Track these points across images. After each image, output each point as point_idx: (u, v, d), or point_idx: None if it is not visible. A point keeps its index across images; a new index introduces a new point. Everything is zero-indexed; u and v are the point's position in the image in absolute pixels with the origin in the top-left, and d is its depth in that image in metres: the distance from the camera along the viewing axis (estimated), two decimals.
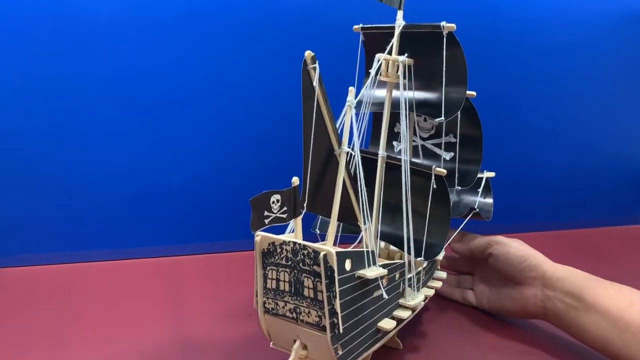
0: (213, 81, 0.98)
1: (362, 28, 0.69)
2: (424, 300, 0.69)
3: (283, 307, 0.54)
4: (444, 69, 0.65)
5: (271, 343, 0.59)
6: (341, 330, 0.52)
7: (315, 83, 0.52)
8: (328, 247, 0.50)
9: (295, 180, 0.51)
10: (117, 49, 0.92)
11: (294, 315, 0.54)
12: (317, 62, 0.53)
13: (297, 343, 0.55)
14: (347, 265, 0.53)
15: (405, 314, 0.63)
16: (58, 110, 0.91)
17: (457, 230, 0.83)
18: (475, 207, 0.84)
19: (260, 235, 0.54)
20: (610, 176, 1.25)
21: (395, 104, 0.68)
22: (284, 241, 0.52)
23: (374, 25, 0.69)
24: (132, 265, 0.97)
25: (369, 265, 0.56)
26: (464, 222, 0.84)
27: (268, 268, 0.54)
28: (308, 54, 0.52)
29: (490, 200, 0.88)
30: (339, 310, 0.51)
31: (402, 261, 0.63)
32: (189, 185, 1.00)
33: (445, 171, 0.66)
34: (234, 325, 0.76)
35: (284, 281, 0.53)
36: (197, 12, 0.94)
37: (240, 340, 0.72)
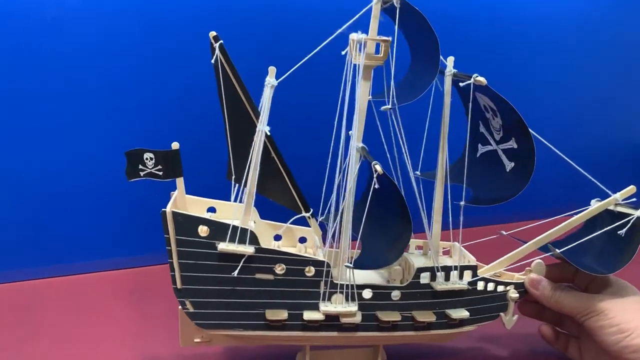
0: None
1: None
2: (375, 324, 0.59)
3: None
4: (395, 45, 0.53)
5: None
6: (178, 286, 0.56)
7: (214, 60, 0.57)
8: (171, 206, 0.56)
9: (175, 145, 0.58)
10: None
11: None
12: (220, 40, 0.57)
13: None
14: (202, 231, 0.56)
15: (313, 316, 0.57)
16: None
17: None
18: (556, 250, 0.59)
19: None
20: (603, 160, 1.20)
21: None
22: None
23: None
24: (89, 279, 0.91)
25: (236, 242, 0.56)
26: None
27: None
28: (211, 34, 0.57)
29: (625, 252, 0.59)
30: (176, 267, 0.56)
31: (318, 258, 0.57)
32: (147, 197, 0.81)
33: (381, 170, 0.54)
34: None
35: None
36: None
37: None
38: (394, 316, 0.59)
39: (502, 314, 0.63)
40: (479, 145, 0.66)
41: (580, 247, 0.61)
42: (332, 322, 0.58)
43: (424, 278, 0.60)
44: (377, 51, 0.57)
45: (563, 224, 0.63)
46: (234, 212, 0.59)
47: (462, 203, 0.60)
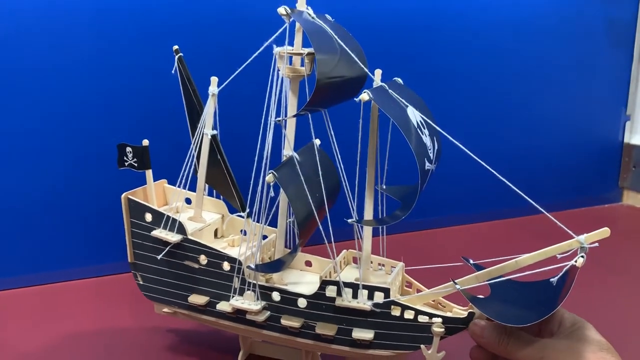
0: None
1: None
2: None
3: None
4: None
5: None
6: (130, 260, 0.67)
7: (174, 70, 0.67)
8: (127, 193, 0.66)
9: (145, 142, 0.68)
10: None
11: None
12: (180, 53, 0.66)
13: None
14: (148, 217, 0.66)
15: (223, 307, 0.62)
16: None
17: None
18: (457, 286, 0.53)
19: None
20: (569, 156, 1.25)
21: None
22: None
23: None
24: (53, 289, 0.91)
25: (168, 230, 0.64)
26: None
27: None
28: (174, 47, 0.67)
29: (545, 304, 0.50)
30: (128, 243, 0.67)
31: (232, 255, 0.61)
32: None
33: (271, 180, 0.55)
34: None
35: None
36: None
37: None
38: (295, 322, 0.60)
39: (423, 346, 0.58)
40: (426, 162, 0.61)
41: (505, 287, 0.53)
42: (241, 315, 0.62)
43: (331, 291, 0.59)
44: (302, 64, 0.59)
45: (509, 262, 0.55)
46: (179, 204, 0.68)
47: (351, 220, 0.57)
